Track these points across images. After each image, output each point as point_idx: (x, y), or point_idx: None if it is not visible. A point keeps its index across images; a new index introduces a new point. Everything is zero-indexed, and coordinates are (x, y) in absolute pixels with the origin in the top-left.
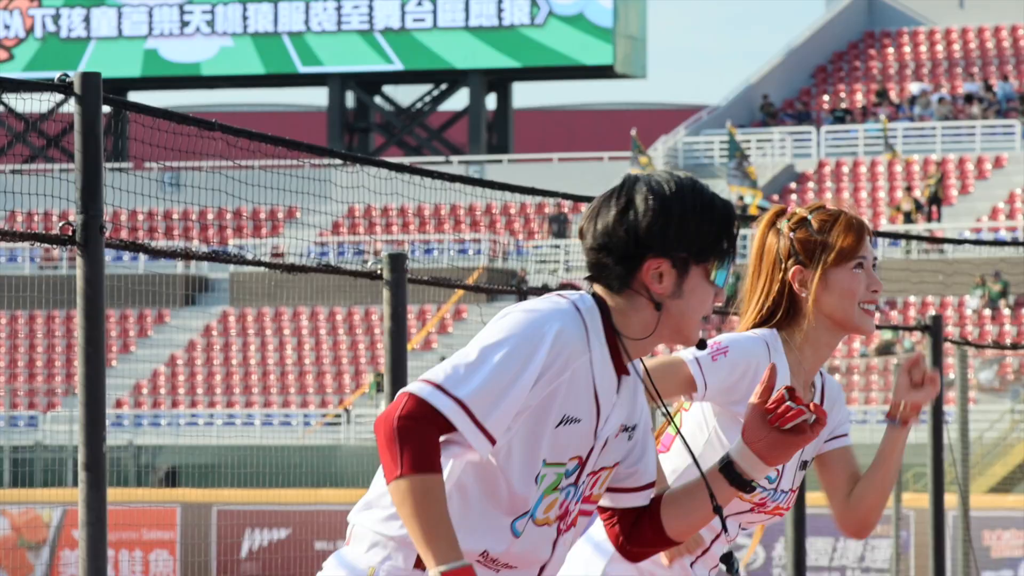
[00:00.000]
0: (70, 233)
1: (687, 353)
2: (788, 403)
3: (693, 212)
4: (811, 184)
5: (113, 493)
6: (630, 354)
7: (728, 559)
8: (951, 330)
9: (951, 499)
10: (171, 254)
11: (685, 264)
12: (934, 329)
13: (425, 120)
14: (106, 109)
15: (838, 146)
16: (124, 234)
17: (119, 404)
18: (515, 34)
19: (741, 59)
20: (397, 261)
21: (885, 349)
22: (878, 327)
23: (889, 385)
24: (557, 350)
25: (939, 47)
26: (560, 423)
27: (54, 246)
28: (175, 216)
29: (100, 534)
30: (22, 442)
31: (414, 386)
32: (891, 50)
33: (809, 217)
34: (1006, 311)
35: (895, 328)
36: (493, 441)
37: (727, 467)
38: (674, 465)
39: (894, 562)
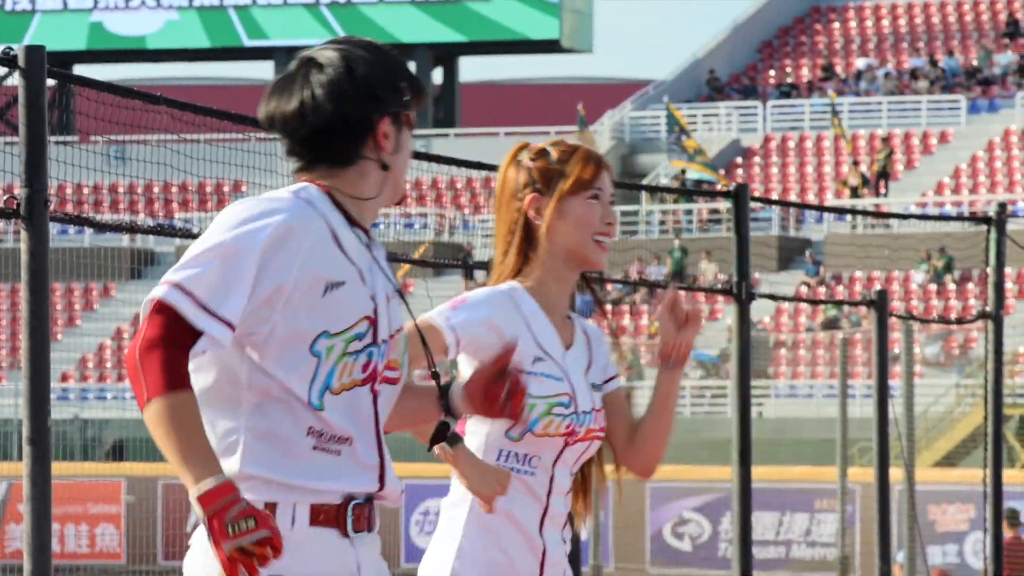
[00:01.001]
0: (14, 207)
1: (431, 313)
2: (505, 394)
3: (397, 64)
4: (757, 159)
5: (58, 467)
6: (364, 220)
7: (444, 429)
8: (897, 305)
9: (896, 473)
10: (117, 228)
11: (399, 118)
12: (880, 304)
13: None
14: (51, 82)
15: (784, 121)
16: (70, 208)
17: (65, 378)
18: (461, 8)
19: (687, 34)
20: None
21: (831, 324)
22: (824, 302)
23: (835, 359)
24: (285, 227)
25: (885, 22)
26: (327, 290)
27: None
28: (121, 190)
29: (45, 508)
30: None
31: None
32: (837, 25)
33: (549, 149)
34: (951, 286)
35: (841, 303)
36: (232, 326)
37: (444, 393)
38: None
39: (840, 536)
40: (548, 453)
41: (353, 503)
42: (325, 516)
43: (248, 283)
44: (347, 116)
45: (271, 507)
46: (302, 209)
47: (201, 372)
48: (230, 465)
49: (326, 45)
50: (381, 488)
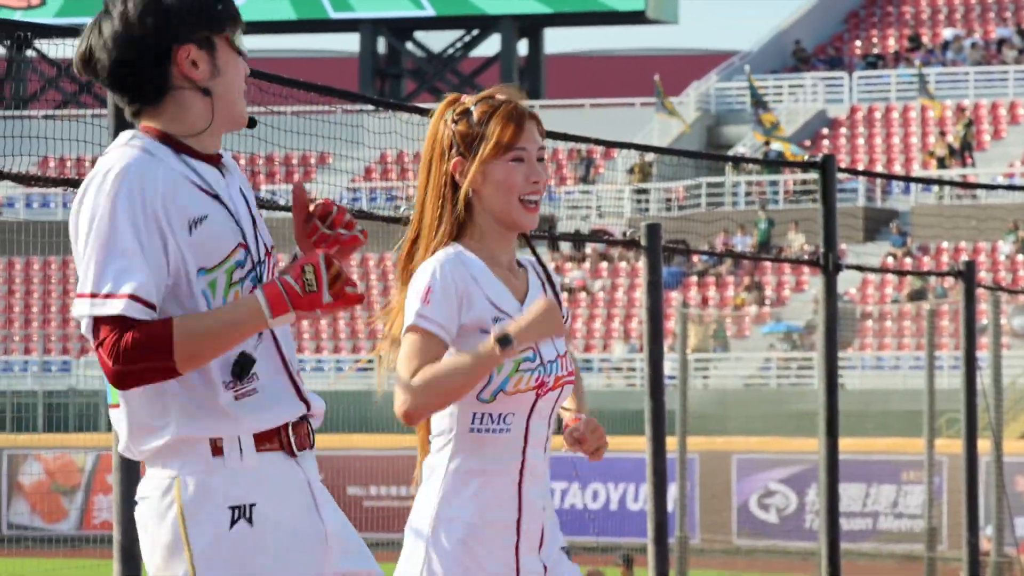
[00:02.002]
0: None
1: (408, 318)
2: (326, 231)
3: None
4: (843, 130)
5: None
6: (207, 149)
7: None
8: (984, 275)
9: (984, 445)
10: None
11: (209, 42)
12: (967, 275)
13: (456, 66)
14: None
15: (870, 92)
16: None
17: None
18: None
19: (773, 4)
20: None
21: (917, 295)
22: (910, 273)
23: (922, 331)
24: (139, 187)
25: None
26: (191, 228)
27: None
28: None
29: (134, 479)
30: (55, 387)
31: (80, 310)
32: None
33: (472, 108)
34: None
35: (928, 274)
36: (154, 307)
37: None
38: None
39: (927, 507)
40: (521, 409)
41: (291, 424)
42: (269, 441)
43: (158, 259)
44: (128, 53)
45: (216, 442)
46: (140, 160)
47: None
48: (167, 436)
49: None
50: (308, 408)
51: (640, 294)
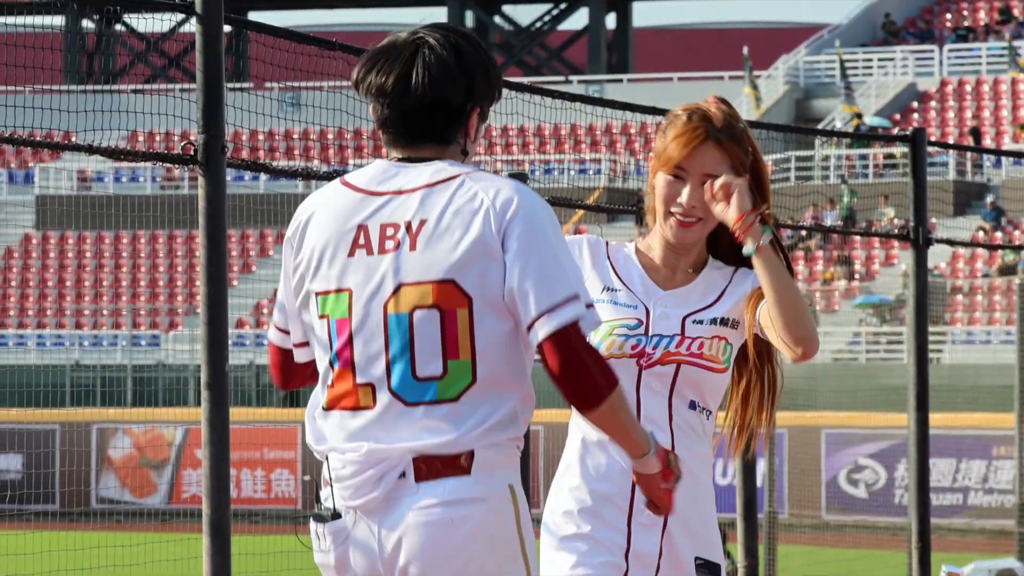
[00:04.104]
0: (192, 153)
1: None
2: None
3: (491, 60)
4: (933, 103)
5: (235, 412)
6: None
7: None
8: None
9: None
10: (292, 174)
11: (484, 111)
12: None
13: (545, 40)
14: (227, 29)
15: (960, 64)
16: (245, 154)
17: (240, 324)
18: None
19: None
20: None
21: (1008, 269)
22: (1001, 247)
23: (1012, 306)
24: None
25: None
26: None
27: (175, 166)
28: (295, 136)
29: (223, 453)
30: (144, 361)
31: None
32: None
33: (672, 117)
34: None
35: (1018, 248)
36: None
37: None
38: None
39: (1017, 483)
40: (625, 377)
41: None
42: None
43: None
44: (451, 98)
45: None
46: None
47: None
48: (511, 433)
49: (434, 29)
50: None
51: None
